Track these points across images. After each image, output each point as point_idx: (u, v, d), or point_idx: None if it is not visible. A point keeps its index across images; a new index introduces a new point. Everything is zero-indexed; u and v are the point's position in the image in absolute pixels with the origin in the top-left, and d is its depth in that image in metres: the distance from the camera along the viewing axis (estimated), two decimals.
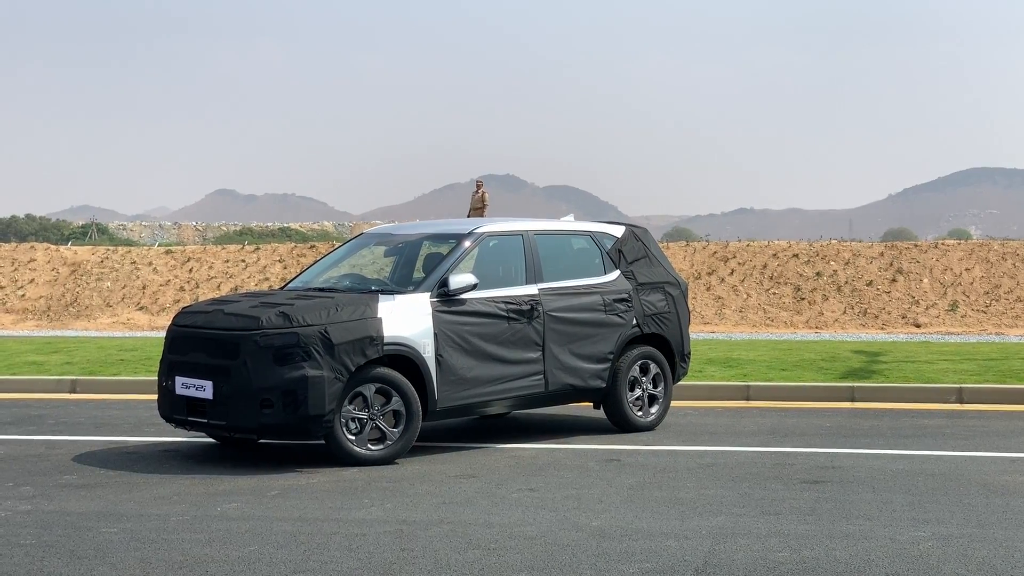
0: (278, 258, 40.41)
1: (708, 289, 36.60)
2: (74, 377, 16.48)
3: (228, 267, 40.15)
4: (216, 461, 11.13)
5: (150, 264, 41.01)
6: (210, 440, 12.09)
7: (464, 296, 11.34)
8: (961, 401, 14.57)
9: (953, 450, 11.47)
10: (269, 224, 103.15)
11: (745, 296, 36.22)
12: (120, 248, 43.77)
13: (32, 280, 40.51)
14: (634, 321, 12.53)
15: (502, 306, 11.59)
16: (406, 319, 10.97)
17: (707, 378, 16.00)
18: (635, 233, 13.10)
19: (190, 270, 40.39)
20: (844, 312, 34.86)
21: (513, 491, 9.64)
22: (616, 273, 12.64)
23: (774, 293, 36.15)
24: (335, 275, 12.43)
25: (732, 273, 37.22)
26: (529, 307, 11.76)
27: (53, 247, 43.77)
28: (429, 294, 11.23)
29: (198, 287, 38.74)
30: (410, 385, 10.88)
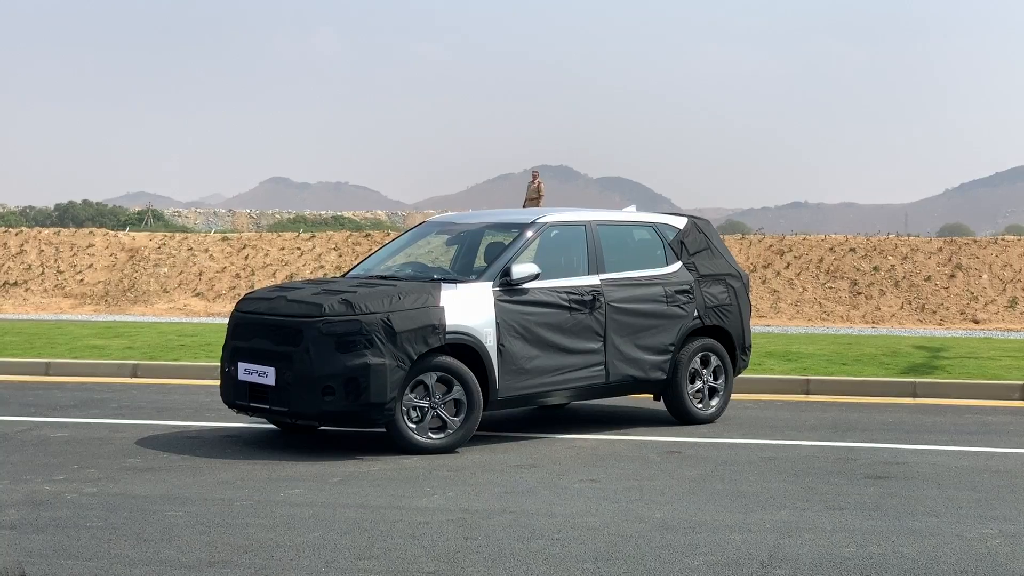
0: (333, 246, 40.54)
1: (764, 282, 36.42)
2: (135, 361, 16.60)
3: (284, 255, 40.33)
4: (277, 447, 11.18)
5: (206, 251, 41.25)
6: (270, 427, 12.14)
7: (526, 286, 11.33)
8: None
9: (1018, 447, 11.35)
10: (322, 212, 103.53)
11: (801, 290, 36.02)
12: (177, 234, 44.07)
13: (91, 265, 40.85)
14: (695, 313, 12.48)
15: (564, 296, 11.57)
16: (468, 308, 10.97)
17: (766, 371, 15.91)
18: (697, 225, 13.05)
19: (246, 257, 40.60)
20: (901, 307, 34.61)
21: (575, 482, 9.62)
22: (678, 264, 12.60)
23: (830, 287, 35.93)
24: (396, 263, 12.44)
25: (788, 266, 37.01)
26: (591, 297, 11.74)
27: (112, 233, 44.11)
28: (491, 283, 11.22)
29: (253, 274, 38.94)
30: (471, 374, 10.88)
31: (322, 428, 11.77)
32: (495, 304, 11.12)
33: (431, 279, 11.43)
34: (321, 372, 10.45)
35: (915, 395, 14.73)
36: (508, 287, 11.24)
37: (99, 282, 40.04)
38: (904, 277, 35.90)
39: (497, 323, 11.08)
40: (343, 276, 12.49)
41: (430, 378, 10.75)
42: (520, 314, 11.24)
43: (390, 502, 8.85)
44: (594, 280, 11.87)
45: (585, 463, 10.46)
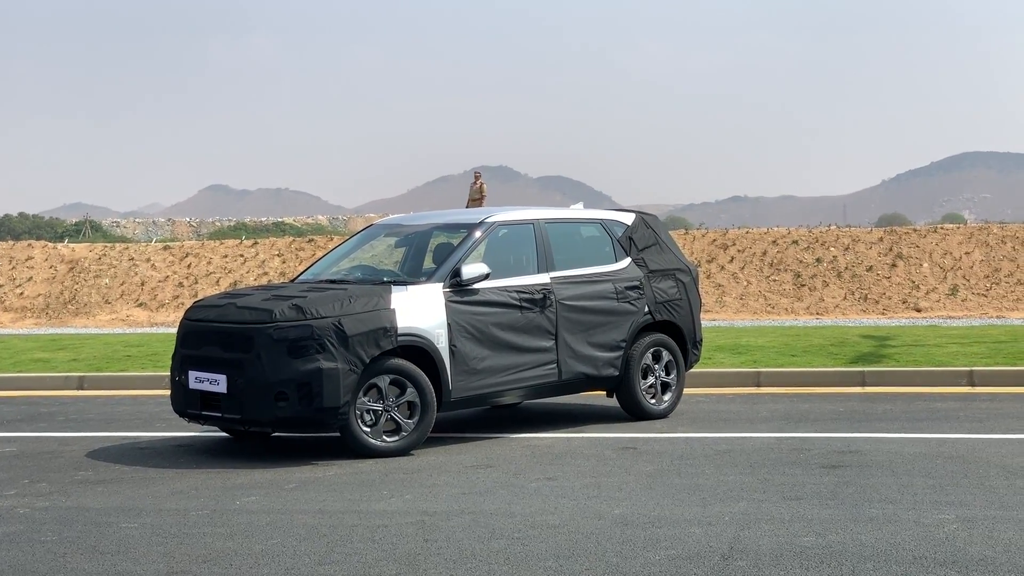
0: (276, 252, 40.33)
1: (708, 277, 36.56)
2: (81, 374, 16.44)
3: (227, 262, 40.09)
4: (231, 455, 11.09)
5: (148, 260, 40.94)
6: (222, 435, 12.04)
7: (477, 286, 11.31)
8: (972, 384, 14.55)
9: (969, 432, 11.45)
10: (263, 219, 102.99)
11: (745, 283, 36.21)
12: (118, 245, 43.70)
13: (30, 278, 40.43)
14: (646, 308, 12.50)
15: (515, 295, 11.55)
16: (419, 310, 10.93)
17: (717, 365, 15.98)
18: (645, 220, 13.07)
19: (188, 266, 40.31)
20: (844, 298, 34.85)
21: (532, 480, 9.61)
22: (627, 261, 12.61)
23: (774, 280, 36.13)
24: (346, 267, 12.38)
25: (732, 260, 37.19)
26: (542, 296, 11.73)
27: (51, 245, 43.68)
28: (442, 284, 11.19)
29: (197, 283, 38.68)
30: (424, 376, 10.84)
31: (275, 434, 11.69)
32: (446, 305, 11.09)
33: (381, 282, 11.38)
34: (273, 378, 10.38)
35: (864, 384, 14.83)
36: (458, 288, 11.21)
37: (39, 295, 39.62)
38: (846, 268, 36.15)
39: (448, 324, 11.05)
40: (292, 281, 12.42)
41: (383, 381, 10.70)
42: (471, 314, 11.21)
43: (347, 506, 8.79)
44: (544, 278, 11.86)
45: (541, 462, 10.44)
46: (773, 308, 34.84)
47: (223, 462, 10.74)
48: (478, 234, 11.74)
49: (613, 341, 12.20)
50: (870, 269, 35.94)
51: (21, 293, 39.88)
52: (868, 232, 38.80)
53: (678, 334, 12.87)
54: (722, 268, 36.90)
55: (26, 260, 41.55)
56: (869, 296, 34.83)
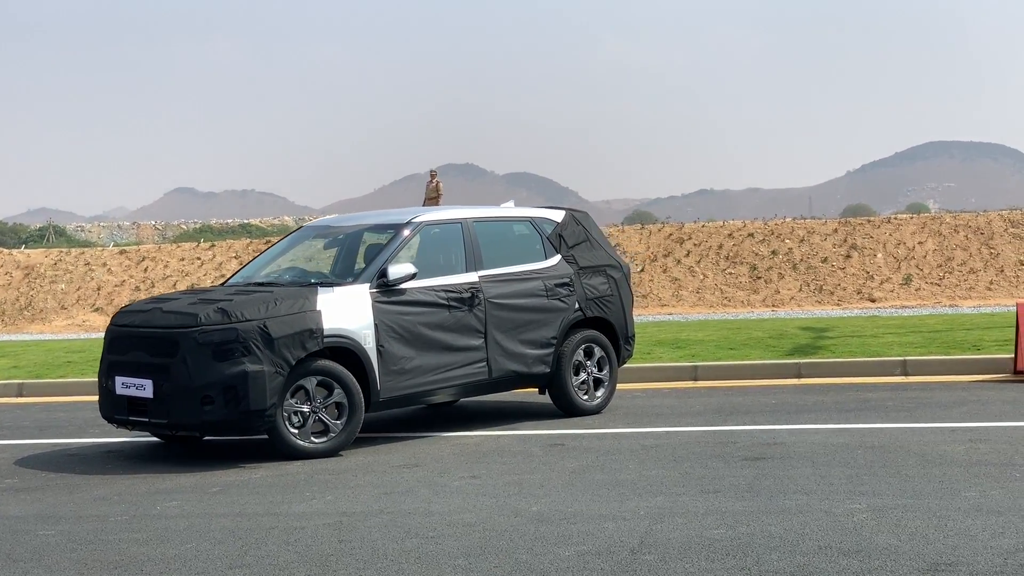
0: (234, 255, 40.25)
1: (664, 271, 36.70)
2: (20, 381, 16.40)
3: (184, 265, 39.99)
4: (160, 460, 11.10)
5: (104, 265, 40.79)
6: (155, 439, 12.04)
7: (404, 286, 11.34)
8: (906, 373, 14.68)
9: (894, 422, 11.55)
10: (229, 221, 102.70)
11: (702, 277, 36.34)
12: (73, 250, 43.53)
13: None
14: (576, 305, 12.56)
15: (442, 294, 11.59)
16: (346, 311, 10.96)
17: (655, 360, 16.05)
18: (575, 217, 13.13)
19: (145, 270, 40.20)
20: (800, 290, 35.03)
21: (455, 479, 9.65)
22: (557, 258, 12.66)
23: (730, 273, 36.28)
24: (276, 269, 12.40)
25: (688, 254, 37.32)
26: (470, 295, 11.77)
27: (5, 251, 43.48)
28: (368, 285, 11.22)
29: (154, 286, 38.56)
30: (351, 377, 10.87)
31: (207, 438, 11.69)
32: (373, 305, 11.12)
33: (308, 283, 11.40)
34: (199, 382, 10.39)
35: (800, 376, 14.93)
36: (385, 288, 11.25)
37: None
38: (801, 260, 36.34)
39: (375, 324, 11.08)
40: (222, 284, 12.42)
41: (310, 382, 10.73)
42: (398, 314, 11.24)
43: (268, 509, 8.81)
44: (472, 277, 11.90)
45: (468, 460, 10.49)
46: (729, 301, 34.99)
47: (150, 467, 10.75)
48: (405, 234, 11.77)
49: (543, 338, 12.25)
50: (825, 260, 36.13)
51: None
52: (823, 223, 39.00)
53: (610, 330, 12.94)
54: (678, 262, 37.03)
55: None
56: (824, 287, 35.02)
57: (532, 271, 12.39)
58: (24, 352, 20.77)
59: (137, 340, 10.89)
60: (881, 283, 34.93)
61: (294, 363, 10.56)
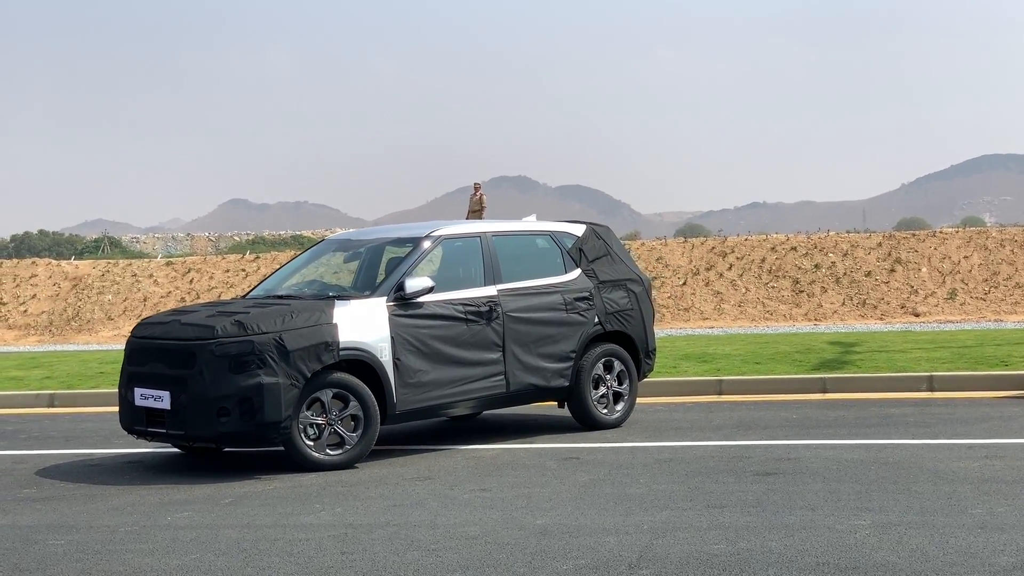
0: (278, 266, 40.50)
1: (707, 284, 36.62)
2: (52, 391, 16.59)
3: (228, 276, 40.29)
4: (177, 471, 11.20)
5: (151, 276, 41.16)
6: (176, 450, 12.15)
7: (421, 299, 11.40)
8: (932, 389, 14.58)
9: (913, 438, 11.48)
10: (282, 232, 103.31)
11: (744, 290, 36.23)
12: (121, 261, 43.94)
13: (34, 296, 40.68)
14: (596, 319, 12.57)
15: (460, 308, 11.64)
16: (362, 324, 11.03)
17: (680, 373, 16.04)
18: (596, 231, 13.15)
19: (191, 281, 40.52)
20: (843, 304, 34.86)
21: (465, 492, 9.68)
22: (577, 272, 12.68)
23: (773, 286, 36.16)
24: (296, 282, 12.50)
25: (731, 268, 37.22)
26: (488, 308, 11.81)
27: (55, 262, 43.95)
28: (386, 298, 11.28)
29: (199, 298, 38.86)
30: (367, 389, 10.93)
31: (227, 450, 11.79)
32: (390, 319, 11.18)
33: (326, 296, 11.48)
34: (215, 393, 10.48)
35: (825, 391, 14.87)
36: (402, 301, 11.31)
37: (43, 312, 39.87)
38: (845, 273, 36.16)
39: (392, 337, 11.14)
40: (243, 297, 12.53)
41: (326, 395, 10.80)
42: (415, 328, 11.30)
43: (276, 520, 8.88)
44: (491, 291, 11.95)
45: (481, 473, 10.52)
46: (771, 315, 34.87)
47: (167, 478, 10.85)
48: (423, 248, 11.83)
49: (562, 352, 12.28)
50: (868, 274, 35.94)
51: (25, 311, 40.15)
52: (867, 237, 38.80)
53: (630, 344, 12.94)
54: (720, 275, 36.94)
55: (30, 278, 41.81)
56: (867, 301, 34.83)
57: (551, 285, 12.42)
58: (59, 363, 21.01)
59: (156, 352, 11.00)
60: (925, 297, 34.70)
61: (310, 375, 10.64)
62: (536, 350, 12.09)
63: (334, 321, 10.88)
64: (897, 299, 34.83)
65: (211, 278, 40.47)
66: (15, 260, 45.56)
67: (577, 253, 12.78)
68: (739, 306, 35.60)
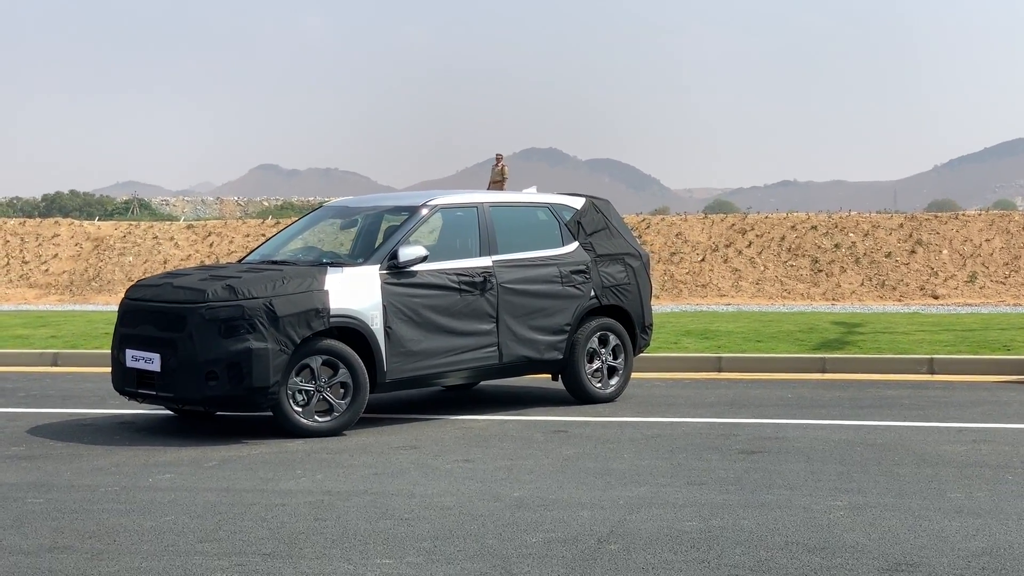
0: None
1: (725, 261, 36.53)
2: (56, 350, 16.66)
3: (248, 241, 40.37)
4: (167, 433, 11.24)
5: (172, 239, 41.30)
6: (170, 412, 12.19)
7: (415, 268, 11.38)
8: (932, 372, 14.51)
9: (904, 420, 11.43)
10: (310, 199, 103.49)
11: (762, 268, 36.12)
12: (143, 223, 44.08)
13: (56, 255, 40.88)
14: (592, 293, 12.54)
15: (454, 278, 11.62)
16: (354, 291, 11.02)
17: (681, 350, 16.00)
18: (595, 205, 13.10)
19: (211, 244, 40.65)
20: (862, 284, 34.72)
21: (448, 462, 9.68)
22: (574, 245, 12.64)
23: (791, 265, 36.03)
24: (293, 248, 12.50)
25: (750, 245, 37.11)
26: (482, 279, 11.79)
27: (77, 222, 44.12)
28: (379, 266, 11.27)
29: (218, 261, 38.97)
30: (357, 357, 10.93)
31: (219, 413, 11.82)
32: (382, 287, 11.18)
33: (319, 263, 11.48)
34: (204, 357, 10.50)
35: (824, 370, 14.81)
36: (395, 270, 11.29)
37: (64, 272, 40.06)
38: (865, 254, 36.00)
39: (384, 306, 11.13)
40: (239, 261, 12.54)
41: (315, 361, 10.81)
42: (407, 296, 11.29)
43: (256, 485, 8.89)
44: (486, 261, 11.92)
45: (467, 443, 10.51)
46: (789, 293, 34.76)
47: (156, 439, 10.88)
48: (418, 217, 11.81)
49: (556, 325, 12.25)
50: (889, 255, 35.77)
51: (47, 270, 40.34)
52: (888, 218, 38.60)
53: (626, 319, 12.91)
54: (739, 253, 36.85)
55: (52, 237, 41.99)
56: (887, 283, 34.69)
57: (548, 257, 12.38)
58: (66, 322, 21.08)
59: (147, 314, 11.03)
60: (945, 280, 34.54)
61: (299, 342, 10.64)
62: (530, 322, 12.07)
63: (325, 288, 10.87)
64: (916, 281, 34.67)
65: (231, 242, 40.57)
66: (38, 220, 45.75)
67: (575, 226, 12.74)
68: (757, 284, 35.50)
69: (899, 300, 33.23)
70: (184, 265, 39.21)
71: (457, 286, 11.61)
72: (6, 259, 40.91)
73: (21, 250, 41.31)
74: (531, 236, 12.50)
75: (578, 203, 12.98)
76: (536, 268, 12.22)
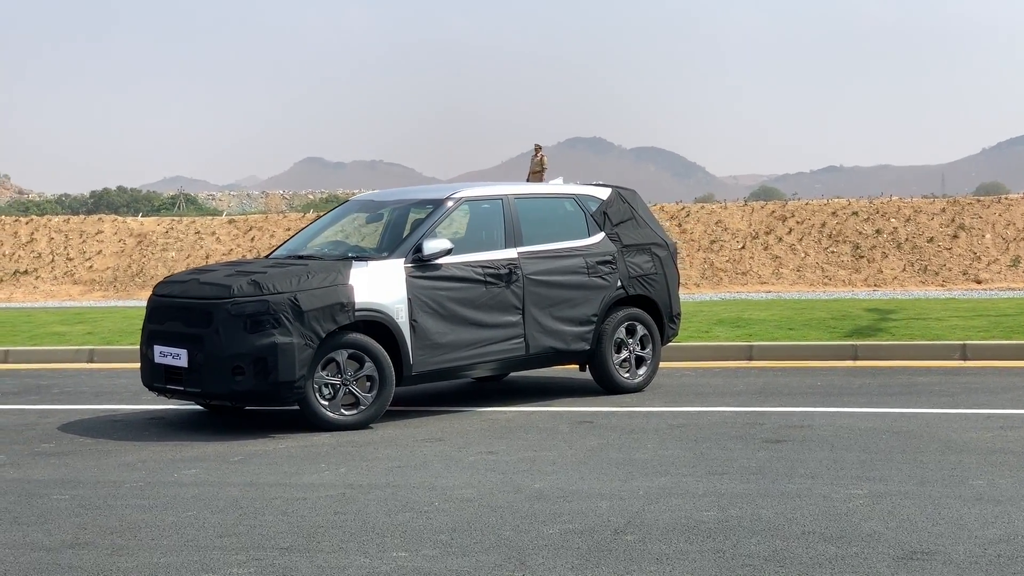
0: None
1: (766, 248, 36.37)
2: (92, 347, 16.81)
3: (289, 235, 40.53)
4: (195, 428, 11.32)
5: (213, 234, 41.54)
6: (199, 407, 12.28)
7: (440, 261, 11.41)
8: (964, 358, 14.41)
9: (932, 407, 11.36)
10: (356, 191, 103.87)
11: (803, 255, 35.94)
12: (184, 219, 44.36)
13: (99, 252, 41.20)
14: (619, 283, 12.53)
15: (479, 270, 11.64)
16: (379, 285, 11.07)
17: (712, 338, 15.96)
18: (622, 195, 13.09)
19: (252, 239, 40.85)
20: (904, 269, 34.49)
21: (472, 454, 9.71)
22: (600, 235, 12.64)
23: (832, 251, 35.83)
24: (319, 243, 12.57)
25: (790, 232, 36.92)
26: (507, 271, 11.81)
27: (120, 219, 44.44)
28: (403, 259, 11.32)
29: (260, 255, 39.17)
30: (382, 350, 10.98)
31: (248, 408, 11.90)
32: (407, 280, 11.21)
33: (344, 257, 11.53)
34: (230, 352, 10.57)
35: (856, 358, 14.74)
36: (420, 263, 11.33)
37: (108, 268, 40.38)
38: (907, 239, 35.75)
39: (409, 299, 11.17)
40: (266, 256, 12.62)
41: (341, 355, 10.86)
42: (433, 289, 11.32)
43: (279, 479, 8.95)
44: (511, 253, 11.94)
45: (493, 435, 10.54)
46: (830, 280, 34.58)
47: (184, 434, 10.97)
48: (443, 210, 11.84)
49: (583, 315, 12.25)
50: (931, 240, 35.51)
51: (91, 266, 40.67)
52: (931, 203, 38.31)
53: (653, 308, 12.89)
54: (780, 240, 36.67)
55: (96, 234, 42.32)
56: (929, 268, 34.44)
57: (573, 248, 12.38)
58: (103, 318, 21.27)
59: (175, 310, 11.12)
60: (988, 264, 34.25)
61: (324, 336, 10.70)
62: (556, 313, 12.08)
63: (350, 282, 10.92)
64: (959, 266, 34.41)
65: (272, 236, 40.75)
66: (82, 216, 46.14)
67: (601, 217, 12.74)
68: (798, 271, 35.33)
69: (942, 285, 32.99)
70: (226, 259, 39.43)
71: (482, 278, 11.63)
72: (51, 256, 41.28)
73: (66, 247, 41.67)
74: (557, 227, 12.50)
75: (604, 193, 12.97)
76: (562, 259, 12.23)
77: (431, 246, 11.32)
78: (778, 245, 36.53)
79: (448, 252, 11.40)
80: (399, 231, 12.20)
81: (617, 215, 12.81)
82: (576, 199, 12.81)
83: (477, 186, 12.44)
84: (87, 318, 21.66)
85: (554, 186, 13.04)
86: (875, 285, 33.44)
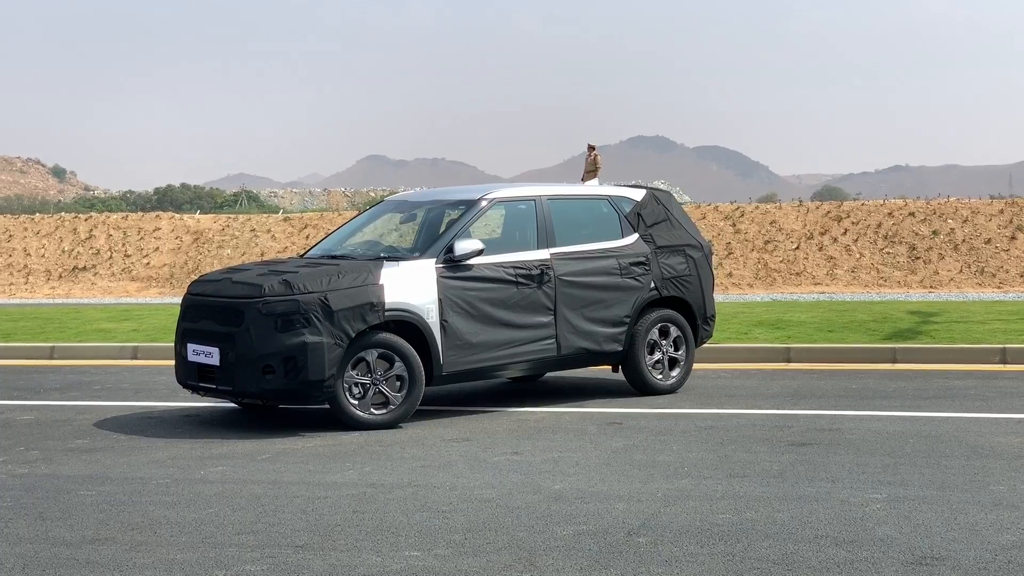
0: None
1: (820, 249, 36.15)
2: (136, 344, 17.00)
3: None
4: (227, 426, 11.44)
5: (269, 231, 41.84)
6: (233, 405, 12.41)
7: (471, 262, 11.47)
8: (1004, 362, 14.29)
9: (964, 411, 11.29)
10: (417, 189, 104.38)
11: (858, 256, 35.70)
12: (241, 216, 44.71)
13: (157, 248, 41.61)
14: (652, 284, 12.54)
15: (510, 271, 11.69)
16: (409, 285, 11.14)
17: (751, 340, 15.91)
18: (656, 196, 13.10)
19: (307, 237, 41.09)
20: (960, 271, 34.19)
21: (497, 455, 9.75)
22: (634, 237, 12.65)
23: (888, 252, 35.57)
24: (354, 243, 12.67)
25: (845, 233, 36.69)
26: (539, 272, 11.84)
27: (177, 216, 44.87)
28: (435, 260, 11.38)
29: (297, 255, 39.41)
30: (412, 350, 11.04)
31: (281, 406, 12.02)
32: (438, 280, 11.28)
33: (376, 257, 11.61)
34: (261, 351, 10.68)
35: (895, 361, 14.65)
36: (451, 263, 11.39)
37: (164, 265, 40.77)
38: (964, 240, 35.43)
39: (440, 299, 11.23)
40: (301, 256, 12.74)
41: (371, 355, 10.94)
42: (464, 290, 11.38)
43: (303, 478, 9.03)
44: (543, 254, 11.97)
45: (520, 436, 10.58)
46: (886, 281, 34.33)
47: (215, 432, 11.09)
48: (475, 210, 11.89)
49: (616, 316, 12.27)
50: (988, 242, 35.18)
51: (148, 263, 41.08)
52: (988, 204, 37.96)
53: (687, 310, 12.88)
54: (835, 240, 36.45)
55: (153, 231, 42.74)
56: (986, 270, 34.13)
57: (606, 249, 12.40)
58: (150, 315, 21.50)
59: (207, 309, 11.25)
60: None
61: (354, 335, 10.78)
62: (589, 314, 12.10)
63: (380, 282, 11.00)
64: (1017, 267, 34.07)
65: (326, 234, 41.01)
66: (140, 213, 46.63)
67: (635, 218, 12.75)
68: (852, 272, 35.11)
69: (999, 287, 32.68)
70: (281, 257, 39.71)
71: (514, 279, 11.68)
72: (109, 253, 41.73)
73: (123, 244, 42.11)
74: (590, 228, 12.53)
75: (638, 195, 12.98)
76: (595, 260, 12.25)
77: (462, 246, 11.38)
78: (833, 246, 36.31)
79: (479, 252, 11.46)
80: (433, 231, 12.27)
81: (651, 216, 12.82)
82: (610, 200, 12.82)
83: (511, 187, 12.50)
84: (134, 315, 21.90)
85: (588, 188, 13.08)
86: (931, 287, 33.17)
